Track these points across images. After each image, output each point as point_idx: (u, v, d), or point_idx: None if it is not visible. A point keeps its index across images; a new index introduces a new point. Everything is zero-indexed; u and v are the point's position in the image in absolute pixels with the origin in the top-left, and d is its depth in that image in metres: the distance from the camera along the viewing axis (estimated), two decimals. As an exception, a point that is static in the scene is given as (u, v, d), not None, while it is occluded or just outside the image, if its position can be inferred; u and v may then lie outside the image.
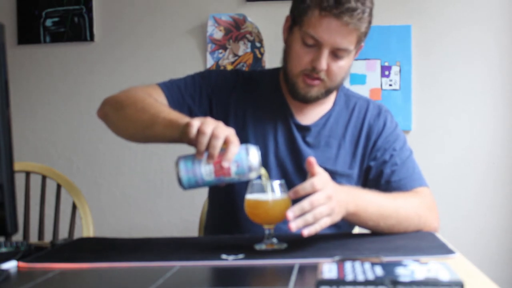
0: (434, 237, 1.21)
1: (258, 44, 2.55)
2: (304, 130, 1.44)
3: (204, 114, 1.43)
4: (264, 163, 1.35)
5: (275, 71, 1.52)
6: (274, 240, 1.13)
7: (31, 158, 2.57)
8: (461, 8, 2.50)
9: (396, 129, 1.49)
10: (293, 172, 1.43)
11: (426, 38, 2.51)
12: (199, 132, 1.07)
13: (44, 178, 1.86)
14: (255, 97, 1.47)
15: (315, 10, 1.30)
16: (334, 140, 1.45)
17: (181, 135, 1.13)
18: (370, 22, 1.35)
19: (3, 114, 0.90)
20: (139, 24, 2.64)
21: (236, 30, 2.56)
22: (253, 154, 1.09)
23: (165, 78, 2.61)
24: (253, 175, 1.10)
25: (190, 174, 1.08)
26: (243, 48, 2.56)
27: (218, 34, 2.57)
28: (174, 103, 1.40)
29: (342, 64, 1.36)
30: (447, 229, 2.24)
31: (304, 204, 1.07)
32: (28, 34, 2.67)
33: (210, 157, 1.07)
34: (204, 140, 1.06)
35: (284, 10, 2.63)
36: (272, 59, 2.56)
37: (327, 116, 1.46)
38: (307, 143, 1.44)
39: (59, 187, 1.85)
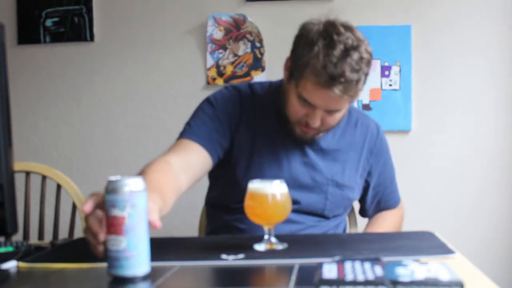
0: (434, 237, 1.21)
1: (258, 44, 2.55)
2: (313, 143, 1.46)
3: (230, 138, 1.44)
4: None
5: (273, 84, 1.52)
6: (274, 240, 1.13)
7: (31, 158, 2.57)
8: (461, 8, 2.50)
9: (388, 150, 1.59)
10: (308, 186, 1.45)
11: (426, 38, 2.51)
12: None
13: (44, 178, 1.86)
14: (259, 114, 1.47)
15: (311, 77, 1.29)
16: (341, 154, 1.49)
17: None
18: (364, 81, 1.33)
19: (3, 114, 0.90)
20: (139, 24, 2.64)
21: (236, 30, 2.56)
22: None
23: (165, 78, 2.63)
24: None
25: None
26: (243, 48, 2.56)
27: (218, 34, 2.57)
28: (211, 143, 1.40)
29: (337, 116, 1.38)
30: (447, 229, 2.25)
31: None
32: (28, 34, 2.67)
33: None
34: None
35: (284, 10, 2.64)
36: (272, 59, 2.56)
37: (333, 132, 1.48)
38: (318, 156, 1.46)
39: (59, 187, 1.85)
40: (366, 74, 1.32)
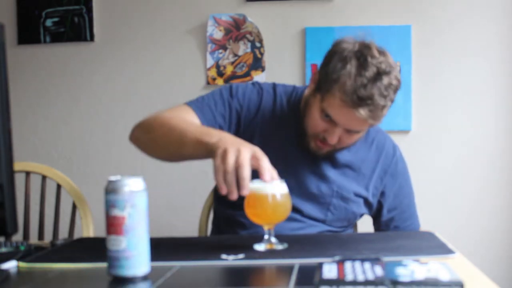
0: (434, 237, 1.21)
1: (258, 44, 2.55)
2: (330, 157, 1.45)
3: (233, 132, 1.43)
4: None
5: (296, 91, 1.51)
6: (274, 240, 1.13)
7: (31, 158, 2.57)
8: (461, 8, 2.50)
9: (407, 174, 1.55)
10: (312, 195, 1.44)
11: (426, 38, 2.51)
12: (222, 169, 1.07)
13: (44, 178, 1.86)
14: (277, 118, 1.46)
15: (338, 97, 1.29)
16: (351, 169, 1.48)
17: (210, 155, 1.13)
18: (390, 106, 1.33)
19: (3, 114, 0.90)
20: (139, 24, 2.64)
21: (236, 30, 2.56)
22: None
23: (165, 78, 2.63)
24: None
25: None
26: (243, 48, 2.56)
27: (218, 34, 2.57)
28: (207, 123, 1.39)
29: (355, 138, 1.38)
30: (447, 229, 2.25)
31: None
32: (28, 34, 2.67)
33: (230, 193, 1.07)
34: (227, 178, 1.07)
35: (284, 10, 2.64)
36: (272, 59, 2.56)
37: (347, 148, 1.47)
38: (328, 166, 1.45)
39: (59, 187, 1.85)
40: (392, 101, 1.32)
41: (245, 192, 1.06)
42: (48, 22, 2.66)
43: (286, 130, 1.45)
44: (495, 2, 2.49)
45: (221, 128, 1.42)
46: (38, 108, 2.69)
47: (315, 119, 1.36)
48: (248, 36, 2.56)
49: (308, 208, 1.44)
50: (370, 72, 1.27)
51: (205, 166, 2.60)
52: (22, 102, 2.67)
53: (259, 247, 1.12)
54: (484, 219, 2.51)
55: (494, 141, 2.50)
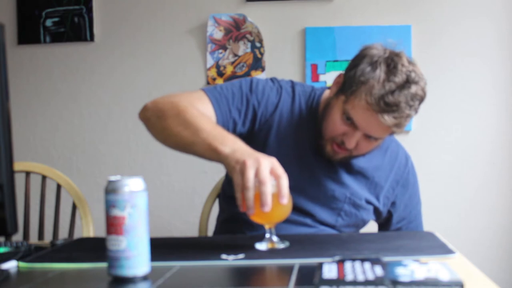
0: (434, 237, 1.21)
1: (258, 44, 2.55)
2: (346, 162, 1.44)
3: (247, 128, 1.41)
4: (298, 187, 1.35)
5: (315, 93, 1.48)
6: (275, 239, 1.13)
7: (31, 158, 2.57)
8: (461, 8, 2.50)
9: (416, 183, 1.56)
10: (325, 199, 1.43)
11: (426, 38, 2.51)
12: (242, 186, 1.05)
13: (44, 178, 1.86)
14: (294, 119, 1.44)
15: (364, 99, 1.27)
16: (365, 176, 1.47)
17: (222, 163, 1.12)
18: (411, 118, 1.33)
19: (3, 114, 0.90)
20: (139, 24, 2.64)
21: (236, 30, 2.56)
22: None
23: (165, 78, 2.63)
24: None
25: None
26: (243, 48, 2.56)
27: (218, 34, 2.57)
28: (222, 116, 1.36)
29: (372, 145, 1.37)
30: (447, 229, 2.25)
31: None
32: (28, 34, 2.67)
33: (249, 209, 1.05)
34: (247, 195, 1.04)
35: (284, 10, 2.64)
36: (272, 59, 2.56)
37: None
38: (343, 172, 1.44)
39: (59, 187, 1.85)
40: (416, 112, 1.32)
41: (266, 209, 1.04)
42: (48, 22, 2.66)
43: (303, 132, 1.42)
44: (496, 2, 2.49)
45: (235, 122, 1.38)
46: (38, 108, 2.69)
47: (335, 121, 1.33)
48: (248, 36, 2.56)
49: (320, 212, 1.43)
50: (400, 79, 1.26)
51: (205, 166, 2.60)
52: (22, 102, 2.67)
53: (260, 246, 1.12)
54: (484, 219, 2.51)
55: (494, 141, 2.50)
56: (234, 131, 1.39)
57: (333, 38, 2.50)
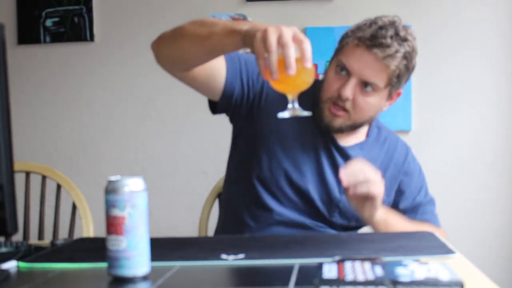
0: (434, 237, 1.21)
1: (258, 44, 2.55)
2: (342, 152, 1.44)
3: (253, 97, 1.41)
4: (303, 177, 1.38)
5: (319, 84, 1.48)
6: (297, 105, 1.12)
7: (31, 158, 2.57)
8: (461, 8, 2.50)
9: (420, 174, 1.55)
10: (335, 191, 1.43)
11: (426, 38, 2.51)
12: (266, 48, 1.04)
13: (44, 178, 1.86)
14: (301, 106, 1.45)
15: (353, 41, 1.33)
16: None
17: (244, 42, 1.11)
18: (407, 67, 1.35)
19: (3, 114, 0.90)
20: (139, 24, 2.64)
21: (236, 30, 2.56)
22: None
23: (166, 78, 2.63)
24: None
25: None
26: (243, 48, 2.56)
27: (218, 34, 2.56)
28: (232, 70, 1.37)
29: (369, 101, 1.35)
30: (447, 229, 2.24)
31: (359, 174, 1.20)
32: (28, 34, 2.67)
33: (273, 73, 1.05)
34: (271, 59, 1.04)
35: (284, 10, 2.64)
36: (272, 59, 2.56)
37: (360, 146, 1.47)
38: (343, 161, 1.43)
39: (59, 187, 1.85)
40: (408, 53, 1.33)
41: (291, 72, 1.04)
42: (48, 22, 2.66)
43: (311, 124, 1.42)
44: (496, 2, 2.49)
45: (242, 82, 1.39)
46: (38, 108, 2.69)
47: (329, 79, 1.36)
48: (248, 36, 2.56)
49: (318, 195, 1.42)
50: (385, 20, 1.34)
51: (205, 166, 2.61)
52: (22, 102, 2.68)
53: (283, 114, 1.12)
54: (484, 219, 2.51)
55: (494, 141, 2.50)
56: (241, 93, 1.40)
57: (333, 38, 2.49)
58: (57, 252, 1.16)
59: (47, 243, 1.26)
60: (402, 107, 2.49)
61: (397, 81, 1.35)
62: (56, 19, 2.66)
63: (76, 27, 2.65)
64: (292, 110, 1.12)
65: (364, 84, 1.33)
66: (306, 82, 1.11)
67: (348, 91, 1.32)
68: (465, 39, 2.50)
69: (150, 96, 2.64)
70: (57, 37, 2.66)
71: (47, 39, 2.66)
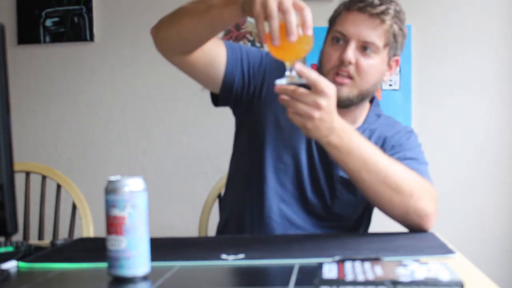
0: (434, 237, 1.22)
1: (258, 45, 2.55)
2: None
3: (253, 88, 1.41)
4: (297, 166, 1.38)
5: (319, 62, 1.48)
6: (294, 73, 1.12)
7: (31, 158, 2.57)
8: (462, 8, 2.50)
9: (417, 146, 1.47)
10: (325, 180, 1.41)
11: (426, 38, 2.51)
12: (266, 14, 1.04)
13: (44, 178, 1.86)
14: None
15: (344, 10, 1.36)
16: None
17: (244, 11, 1.11)
18: (400, 28, 1.36)
19: (3, 114, 0.90)
20: (139, 24, 2.64)
21: (236, 30, 2.56)
22: None
23: (166, 78, 2.63)
24: None
25: None
26: (243, 48, 2.56)
27: (218, 34, 2.56)
28: (233, 58, 1.38)
29: (371, 62, 1.35)
30: (447, 229, 2.25)
31: (290, 88, 1.10)
32: (28, 34, 2.67)
33: (274, 39, 1.05)
34: (271, 24, 1.04)
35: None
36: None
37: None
38: None
39: (59, 187, 1.85)
40: (397, 12, 1.34)
41: (293, 38, 1.03)
42: (48, 22, 2.66)
43: None
44: (496, 2, 2.49)
45: (243, 72, 1.40)
46: (38, 108, 2.69)
47: (327, 51, 1.38)
48: (248, 36, 2.56)
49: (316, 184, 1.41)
50: None
51: (205, 166, 2.61)
52: (22, 102, 2.67)
53: (280, 81, 1.12)
54: (484, 219, 2.51)
55: (494, 141, 2.50)
56: (242, 82, 1.40)
57: (333, 38, 2.49)
58: (57, 252, 1.16)
59: (47, 243, 1.27)
60: (402, 107, 2.49)
61: (393, 41, 1.36)
62: (56, 19, 2.66)
63: (76, 27, 2.65)
64: (290, 78, 1.12)
65: (364, 48, 1.34)
66: (305, 49, 1.10)
67: (350, 53, 1.33)
68: (466, 39, 2.50)
69: (150, 96, 2.64)
70: (57, 37, 2.66)
71: (47, 39, 2.66)
